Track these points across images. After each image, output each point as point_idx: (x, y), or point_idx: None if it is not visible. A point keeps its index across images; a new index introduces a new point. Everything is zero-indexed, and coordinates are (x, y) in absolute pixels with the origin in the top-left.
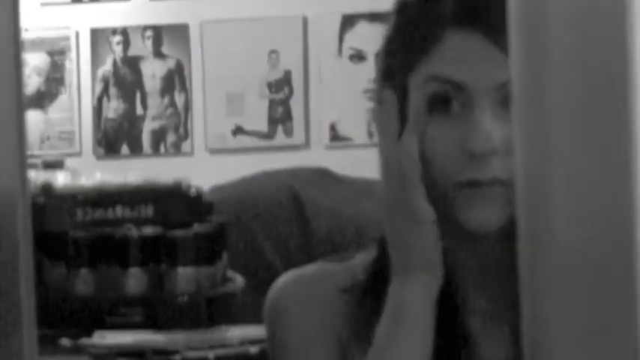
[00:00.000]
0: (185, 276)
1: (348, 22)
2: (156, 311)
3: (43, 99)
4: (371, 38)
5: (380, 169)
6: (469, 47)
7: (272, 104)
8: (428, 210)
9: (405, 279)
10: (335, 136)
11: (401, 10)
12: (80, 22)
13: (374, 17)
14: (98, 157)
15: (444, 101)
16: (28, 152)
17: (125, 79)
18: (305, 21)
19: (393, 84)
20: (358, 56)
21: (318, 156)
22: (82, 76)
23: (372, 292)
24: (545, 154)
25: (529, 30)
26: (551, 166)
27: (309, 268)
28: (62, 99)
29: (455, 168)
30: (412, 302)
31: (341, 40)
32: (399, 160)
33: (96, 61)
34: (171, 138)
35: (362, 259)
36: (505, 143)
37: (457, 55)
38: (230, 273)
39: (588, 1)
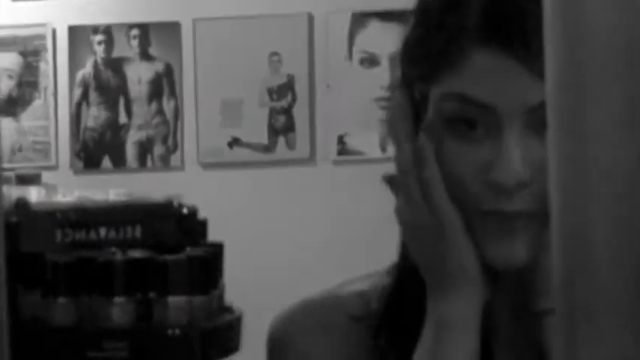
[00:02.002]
0: (176, 306)
1: (359, 21)
2: (143, 345)
3: (14, 105)
4: (384, 40)
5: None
6: (497, 66)
7: (273, 113)
8: (456, 222)
9: (445, 294)
10: (343, 150)
11: (421, 15)
12: (57, 19)
13: (388, 16)
14: (76, 172)
15: (467, 122)
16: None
17: (107, 84)
18: (310, 20)
19: (411, 93)
20: (370, 60)
21: (325, 172)
22: (59, 80)
23: (388, 322)
24: (585, 186)
25: (567, 47)
26: (592, 200)
27: (316, 296)
28: (36, 105)
29: (477, 196)
30: (457, 316)
31: (351, 41)
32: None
33: (74, 62)
34: (158, 150)
35: (374, 287)
36: (534, 170)
37: (484, 73)
38: (227, 302)
39: (633, 13)
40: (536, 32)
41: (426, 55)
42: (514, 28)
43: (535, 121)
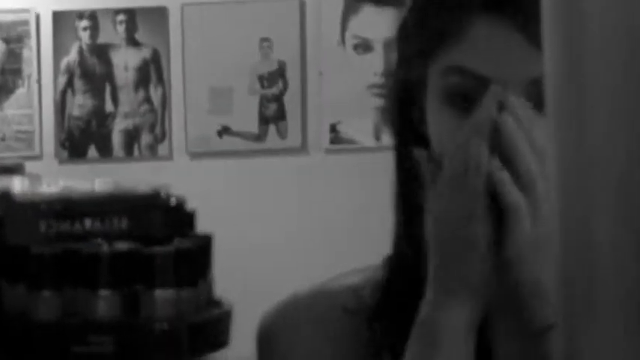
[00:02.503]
0: (164, 299)
1: (352, 6)
2: (130, 340)
3: None
4: (378, 25)
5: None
6: (497, 37)
7: (263, 101)
8: (486, 235)
9: (446, 301)
10: (336, 139)
11: None
12: (41, 4)
13: (382, 1)
14: (61, 161)
15: (466, 98)
16: None
17: (93, 71)
18: (302, 4)
19: (408, 75)
20: (363, 46)
21: (317, 161)
22: (43, 67)
23: (382, 315)
24: (586, 163)
25: (566, 17)
26: (592, 176)
27: (306, 290)
28: (20, 93)
29: None
30: (453, 328)
31: (344, 26)
32: (463, 169)
33: (59, 49)
34: (146, 139)
35: (367, 280)
36: (536, 149)
37: (484, 45)
38: (216, 295)
39: (633, 3)
40: (536, 1)
41: (424, 31)
42: None
43: (536, 95)
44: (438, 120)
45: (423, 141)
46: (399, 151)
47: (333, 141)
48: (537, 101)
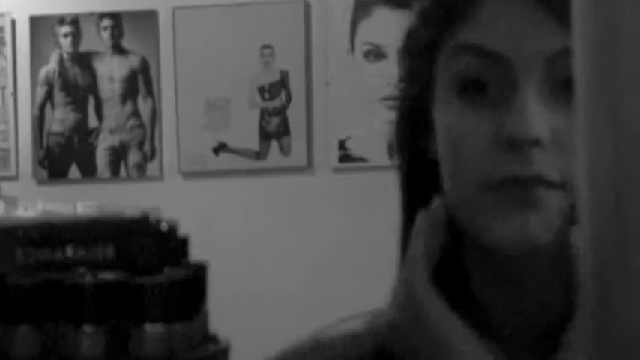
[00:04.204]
0: (154, 335)
1: (363, 8)
2: None
3: None
4: (391, 30)
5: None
6: (512, 11)
7: (264, 114)
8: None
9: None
10: (345, 157)
11: None
12: (17, 8)
13: (395, 3)
14: (40, 182)
15: (478, 83)
16: None
17: (75, 82)
18: (307, 7)
19: (415, 89)
20: (375, 53)
21: (324, 181)
22: (20, 78)
23: None
24: (619, 151)
25: (597, 33)
26: (626, 168)
27: (304, 341)
28: None
29: (487, 165)
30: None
31: (353, 32)
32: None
33: (37, 58)
34: (134, 157)
35: (369, 327)
36: (555, 135)
37: (496, 20)
38: (212, 330)
39: None
40: None
41: (435, 17)
42: None
43: (555, 74)
44: (446, 111)
45: (430, 164)
46: (405, 173)
47: (341, 159)
48: (556, 82)
